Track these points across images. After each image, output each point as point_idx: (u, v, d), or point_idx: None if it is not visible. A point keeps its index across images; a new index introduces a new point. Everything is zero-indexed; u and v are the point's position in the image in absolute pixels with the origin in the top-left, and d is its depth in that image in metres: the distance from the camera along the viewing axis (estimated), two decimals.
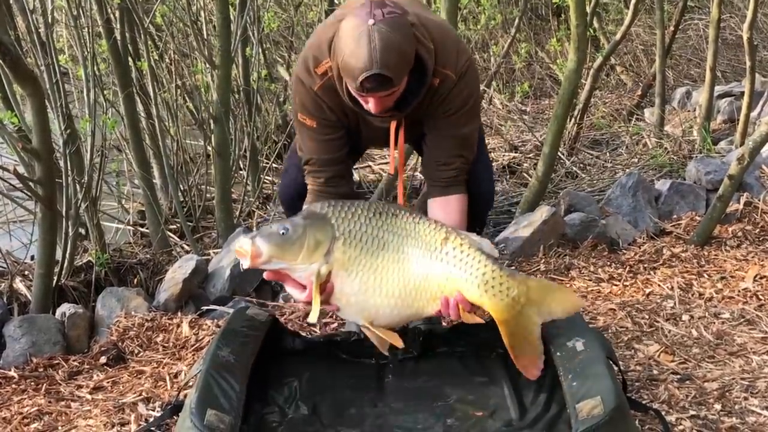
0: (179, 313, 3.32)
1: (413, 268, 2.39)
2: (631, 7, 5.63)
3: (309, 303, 2.38)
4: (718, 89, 6.74)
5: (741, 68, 8.05)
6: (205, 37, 4.53)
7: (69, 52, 5.03)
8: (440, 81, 2.55)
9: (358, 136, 2.80)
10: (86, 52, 3.70)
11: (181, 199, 4.89)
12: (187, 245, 4.42)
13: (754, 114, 5.95)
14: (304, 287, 2.39)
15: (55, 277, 3.52)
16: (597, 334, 2.48)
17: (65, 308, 3.29)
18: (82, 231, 4.26)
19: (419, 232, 2.42)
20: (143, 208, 4.93)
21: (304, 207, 2.63)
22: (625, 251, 3.75)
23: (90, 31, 3.72)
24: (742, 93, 6.49)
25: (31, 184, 3.19)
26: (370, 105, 2.45)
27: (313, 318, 2.35)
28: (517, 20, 7.25)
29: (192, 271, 3.41)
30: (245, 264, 2.30)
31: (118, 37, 4.20)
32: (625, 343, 2.91)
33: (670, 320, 3.09)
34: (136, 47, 4.53)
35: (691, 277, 3.48)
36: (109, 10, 4.15)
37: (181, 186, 5.03)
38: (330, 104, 2.63)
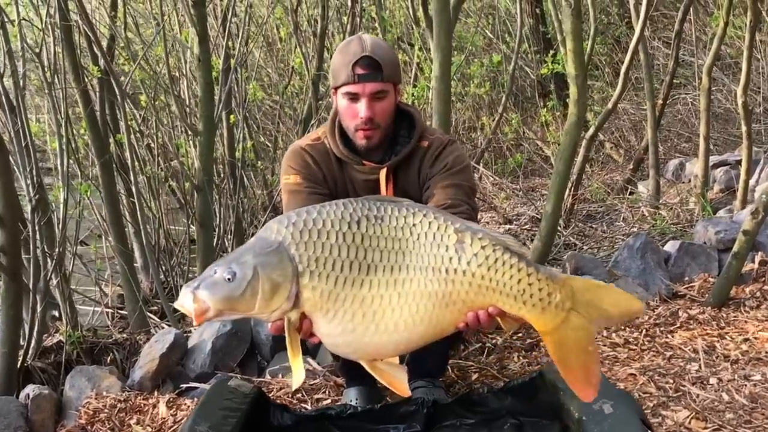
0: (156, 393, 3.02)
1: (421, 290, 1.89)
2: (622, 75, 5.57)
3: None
4: (713, 159, 6.63)
5: (731, 140, 8.01)
6: (187, 103, 4.36)
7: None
8: (429, 143, 2.59)
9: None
10: (60, 119, 3.50)
11: (163, 280, 4.63)
12: (168, 325, 4.12)
13: (752, 181, 5.82)
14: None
15: (21, 357, 3.20)
16: (626, 396, 2.21)
17: (29, 389, 2.98)
18: (55, 313, 3.98)
19: (420, 237, 1.91)
20: (123, 292, 4.66)
21: (258, 233, 2.04)
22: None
23: (64, 94, 3.52)
24: (738, 162, 6.38)
25: None
26: (362, 107, 2.42)
27: (295, 382, 1.95)
28: (504, 98, 7.20)
29: (170, 345, 3.12)
30: (193, 321, 1.89)
31: (97, 108, 4.02)
32: (651, 410, 2.63)
33: (697, 384, 2.82)
34: (114, 117, 4.36)
35: (712, 339, 3.22)
36: (86, 79, 3.98)
37: (162, 266, 4.77)
38: (316, 159, 2.60)
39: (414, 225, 1.92)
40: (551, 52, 7.13)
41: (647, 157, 6.51)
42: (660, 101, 6.66)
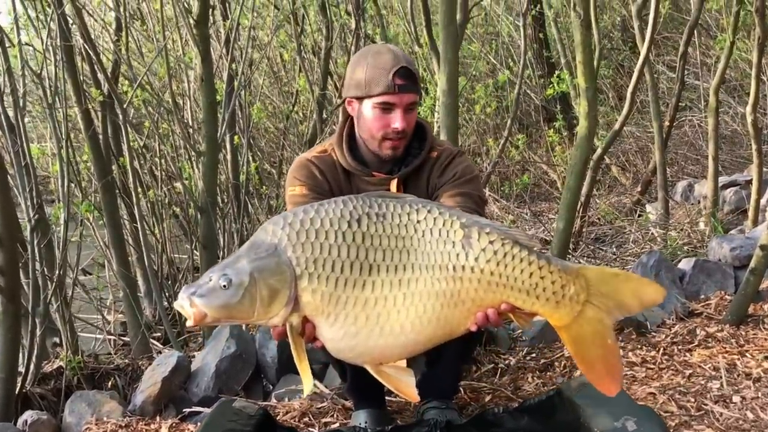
0: (158, 418, 2.92)
1: (428, 289, 1.81)
2: (628, 95, 5.50)
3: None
4: (721, 180, 6.55)
5: (739, 161, 7.94)
6: (189, 123, 4.30)
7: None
8: (438, 153, 2.56)
9: None
10: (61, 138, 3.44)
11: (166, 306, 4.54)
12: (170, 350, 4.02)
13: (762, 201, 5.73)
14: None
15: (19, 383, 3.11)
16: (649, 411, 2.11)
17: (27, 415, 2.89)
18: (56, 339, 3.89)
19: (425, 234, 1.83)
20: (125, 319, 4.58)
21: (253, 235, 1.95)
22: (654, 333, 3.40)
23: (64, 113, 3.47)
24: (747, 182, 6.30)
25: None
26: (397, 118, 2.39)
27: (306, 388, 1.86)
28: (509, 121, 7.14)
29: (173, 368, 3.02)
30: (189, 322, 1.83)
31: (99, 130, 3.98)
32: (673, 429, 2.52)
33: (720, 402, 2.71)
34: (117, 140, 4.31)
35: (732, 357, 3.11)
36: (88, 102, 3.94)
37: (166, 292, 4.69)
38: (323, 171, 2.54)
39: (418, 221, 1.84)
40: (556, 73, 7.08)
41: (655, 179, 6.44)
42: (667, 122, 6.61)
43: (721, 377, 2.90)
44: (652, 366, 3.08)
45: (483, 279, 1.84)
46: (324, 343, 1.87)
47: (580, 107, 3.43)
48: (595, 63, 4.83)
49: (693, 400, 2.73)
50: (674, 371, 3.02)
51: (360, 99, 2.44)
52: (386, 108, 2.40)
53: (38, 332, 3.16)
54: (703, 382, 2.88)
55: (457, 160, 2.55)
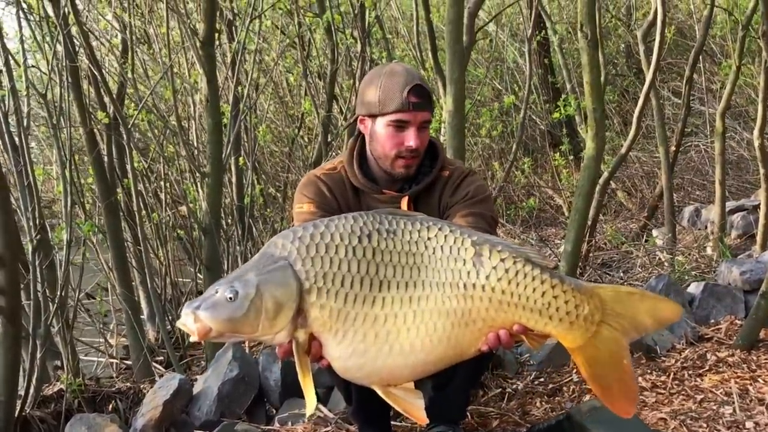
0: None
1: (438, 307, 1.77)
2: (635, 119, 5.47)
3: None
4: (728, 205, 6.51)
5: (746, 186, 7.90)
6: (195, 145, 4.29)
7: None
8: (450, 173, 2.53)
9: None
10: (65, 158, 3.43)
11: (169, 329, 4.50)
12: (172, 373, 3.97)
13: None
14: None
15: (19, 406, 3.06)
16: None
17: None
18: (58, 362, 3.85)
19: (435, 251, 1.79)
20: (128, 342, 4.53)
21: (262, 249, 1.90)
22: (664, 358, 3.34)
23: (69, 133, 3.46)
24: (755, 206, 6.26)
25: None
26: (411, 136, 2.36)
27: (309, 408, 1.79)
28: (514, 146, 7.12)
29: (174, 392, 2.96)
30: (192, 338, 1.78)
31: (104, 151, 3.96)
32: None
33: (733, 428, 2.65)
34: (122, 163, 4.29)
35: (744, 382, 3.05)
36: (93, 122, 3.93)
37: (169, 315, 4.65)
38: (331, 188, 2.50)
39: (429, 239, 1.81)
40: (562, 97, 7.07)
41: (661, 204, 6.40)
42: (673, 147, 6.58)
43: (733, 402, 2.84)
44: (663, 391, 3.03)
45: (494, 298, 1.80)
46: (331, 362, 1.82)
47: (588, 128, 3.40)
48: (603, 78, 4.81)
49: (705, 425, 2.67)
50: (685, 396, 2.96)
51: (373, 117, 2.42)
52: (400, 126, 2.37)
53: (39, 354, 3.12)
54: (715, 408, 2.82)
55: (469, 179, 2.52)
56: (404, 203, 2.45)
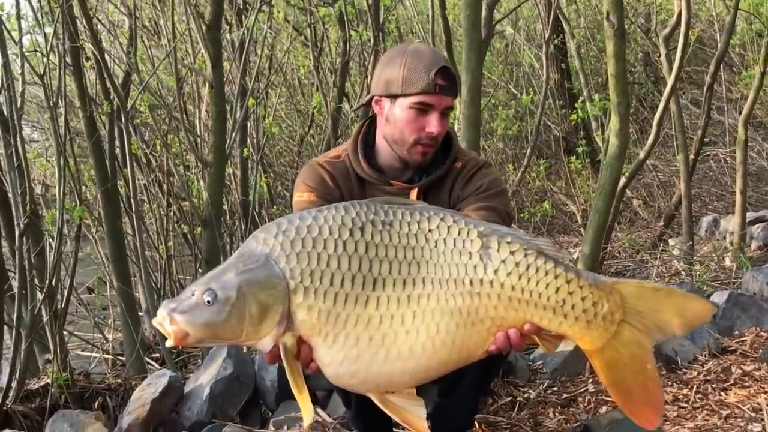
0: None
1: (441, 306, 1.59)
2: (655, 123, 5.27)
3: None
4: (749, 216, 6.31)
5: (764, 198, 7.72)
6: (198, 133, 4.12)
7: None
8: (463, 164, 2.35)
9: None
10: (60, 140, 3.27)
11: None
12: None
13: None
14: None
15: (0, 400, 2.90)
16: None
17: None
18: (49, 356, 3.68)
19: (437, 244, 1.62)
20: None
21: (242, 245, 1.71)
22: (686, 370, 3.15)
23: (65, 116, 3.30)
24: None
25: None
26: (434, 121, 2.18)
27: (306, 418, 1.63)
28: (528, 150, 6.95)
29: (164, 389, 2.80)
30: (169, 343, 1.60)
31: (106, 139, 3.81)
32: None
33: None
34: (124, 152, 4.13)
35: None
36: (93, 108, 3.77)
37: None
38: (335, 177, 2.32)
39: (430, 230, 1.63)
40: (580, 99, 6.90)
41: (679, 213, 6.22)
42: (692, 155, 6.39)
43: (762, 419, 2.64)
44: (685, 405, 2.84)
45: (503, 294, 1.62)
46: (321, 368, 1.65)
47: (611, 123, 3.22)
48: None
49: None
50: (710, 411, 2.77)
51: (393, 97, 2.22)
52: (423, 109, 2.19)
53: (23, 346, 2.95)
54: (742, 425, 2.63)
55: (483, 171, 2.33)
56: (413, 195, 2.26)
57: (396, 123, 2.23)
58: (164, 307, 1.59)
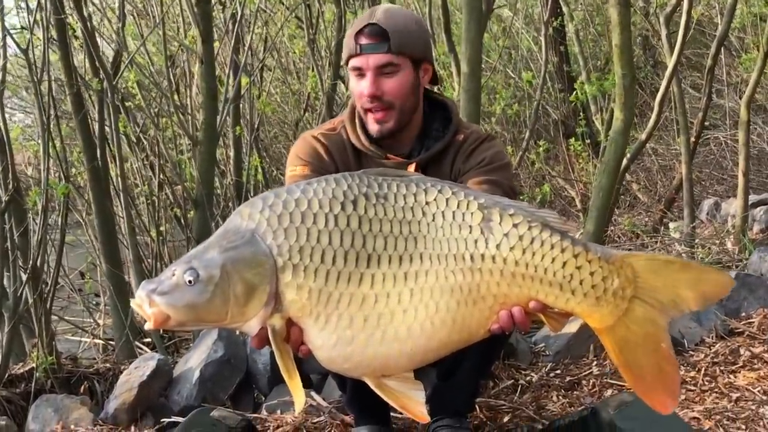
0: (133, 428, 2.62)
1: (440, 283, 1.50)
2: (657, 103, 5.16)
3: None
4: (751, 198, 6.21)
5: (765, 181, 7.63)
6: (189, 111, 4.00)
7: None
8: (465, 137, 2.23)
9: None
10: (44, 114, 3.15)
11: None
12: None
13: None
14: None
15: None
16: None
17: None
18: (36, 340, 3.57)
19: (436, 217, 1.52)
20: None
21: (227, 221, 1.63)
22: (693, 352, 3.07)
23: (49, 88, 3.18)
24: None
25: None
26: (366, 83, 2.06)
27: (297, 404, 1.54)
28: (527, 133, 6.84)
29: (151, 373, 2.69)
30: (148, 326, 1.51)
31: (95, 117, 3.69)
32: None
33: None
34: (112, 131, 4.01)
35: None
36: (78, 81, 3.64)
37: None
38: (330, 150, 2.22)
39: (428, 203, 1.54)
40: (579, 80, 6.79)
41: (679, 197, 6.13)
42: (693, 138, 6.28)
43: None
44: (693, 388, 2.75)
45: (506, 270, 1.54)
46: (313, 352, 1.55)
47: (616, 97, 3.11)
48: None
49: (744, 427, 2.40)
50: (719, 394, 2.69)
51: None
52: (359, 73, 2.09)
53: (6, 328, 2.84)
54: (753, 408, 2.54)
55: (485, 144, 2.23)
56: (412, 170, 2.15)
57: (352, 94, 2.16)
58: (143, 287, 1.49)
